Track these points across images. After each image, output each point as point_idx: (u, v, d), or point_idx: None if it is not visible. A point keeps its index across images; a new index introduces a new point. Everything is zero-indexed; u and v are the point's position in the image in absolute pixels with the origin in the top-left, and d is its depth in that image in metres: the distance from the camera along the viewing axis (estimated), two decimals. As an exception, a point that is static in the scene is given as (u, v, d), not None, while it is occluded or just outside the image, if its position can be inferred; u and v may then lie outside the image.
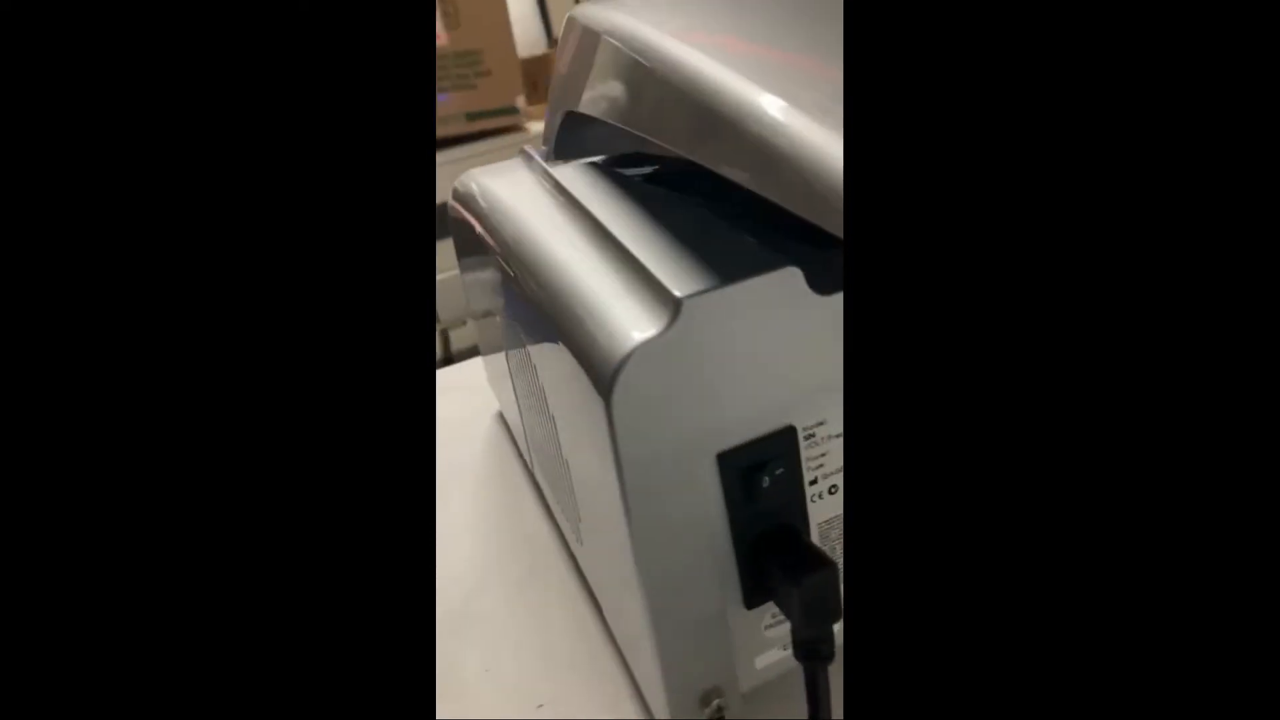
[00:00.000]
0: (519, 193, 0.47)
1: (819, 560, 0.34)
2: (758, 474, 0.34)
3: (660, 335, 0.30)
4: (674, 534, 0.33)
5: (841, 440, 0.36)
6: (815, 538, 0.37)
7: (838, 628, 0.34)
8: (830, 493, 0.37)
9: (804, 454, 0.36)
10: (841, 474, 0.37)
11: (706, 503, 0.34)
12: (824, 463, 0.36)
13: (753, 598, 0.36)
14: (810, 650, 0.33)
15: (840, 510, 0.38)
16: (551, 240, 0.40)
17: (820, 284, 0.32)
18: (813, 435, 0.36)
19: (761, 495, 0.34)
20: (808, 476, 0.36)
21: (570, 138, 0.49)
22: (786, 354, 0.34)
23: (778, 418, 0.35)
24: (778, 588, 0.35)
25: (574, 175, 0.46)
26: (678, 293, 0.31)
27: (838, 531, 0.38)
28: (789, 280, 0.33)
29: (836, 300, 0.34)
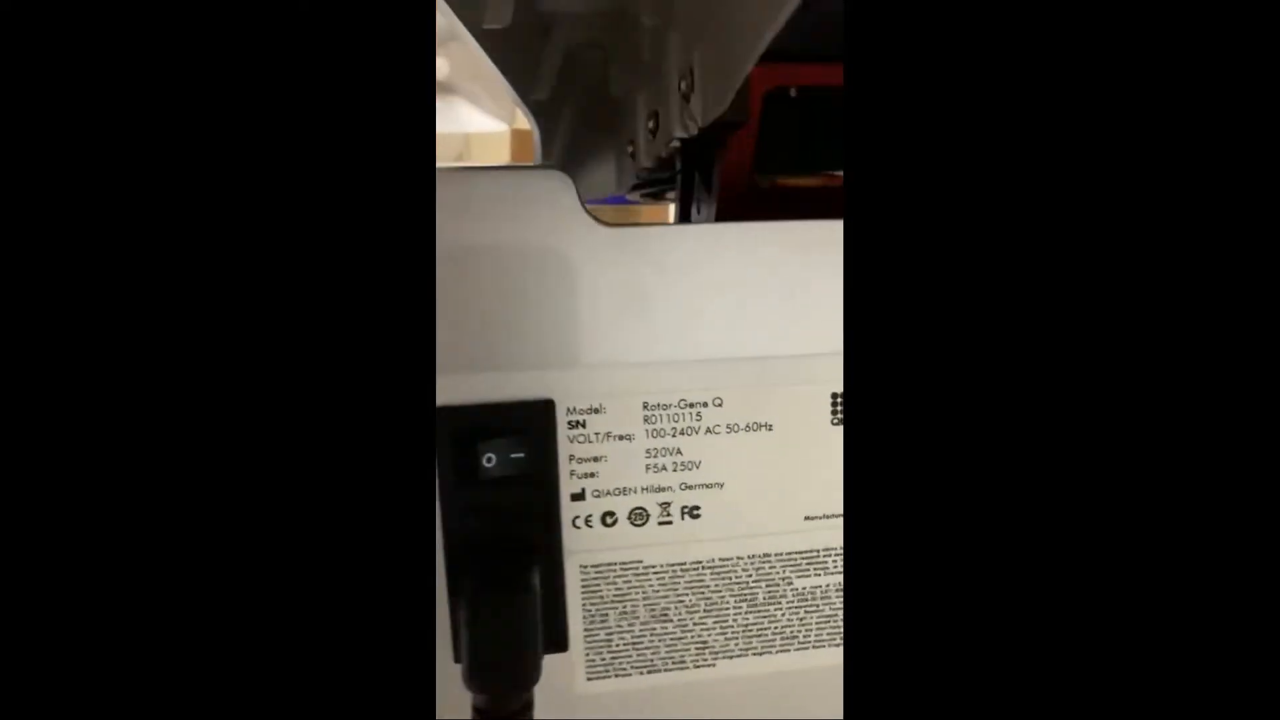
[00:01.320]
0: None
1: (521, 585, 0.23)
2: (475, 447, 0.24)
3: None
4: None
5: (644, 459, 0.26)
6: (573, 584, 0.26)
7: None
8: (606, 524, 0.26)
9: (565, 447, 0.25)
10: (630, 507, 0.26)
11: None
12: (598, 473, 0.26)
13: (456, 637, 0.25)
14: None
15: (626, 563, 0.26)
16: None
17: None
18: (581, 425, 0.25)
19: (483, 483, 0.24)
20: (570, 485, 0.26)
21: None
22: (561, 295, 0.24)
23: (535, 384, 0.25)
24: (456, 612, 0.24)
25: None
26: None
27: (616, 589, 0.27)
28: (559, 186, 0.24)
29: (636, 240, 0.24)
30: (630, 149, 0.39)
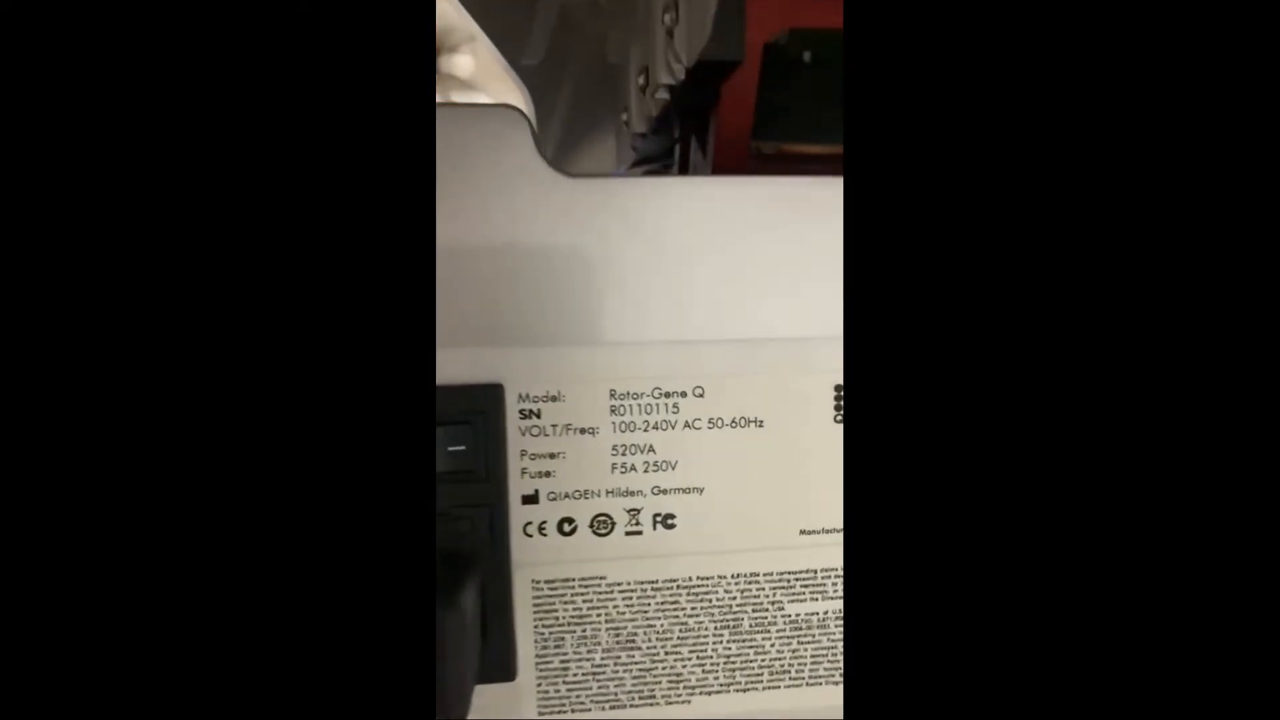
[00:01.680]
0: None
1: (445, 601, 0.19)
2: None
3: None
4: None
5: (609, 457, 0.22)
6: (523, 603, 0.22)
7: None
8: (563, 532, 0.22)
9: (515, 441, 0.21)
10: (593, 514, 0.22)
11: None
12: (554, 471, 0.22)
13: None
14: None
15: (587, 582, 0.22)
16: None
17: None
18: (536, 415, 0.21)
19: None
20: (521, 486, 0.22)
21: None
22: (512, 258, 0.21)
23: (479, 365, 0.21)
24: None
25: None
26: None
27: (575, 610, 0.23)
28: (509, 125, 0.20)
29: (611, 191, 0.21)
30: (624, 117, 0.35)
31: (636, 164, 0.43)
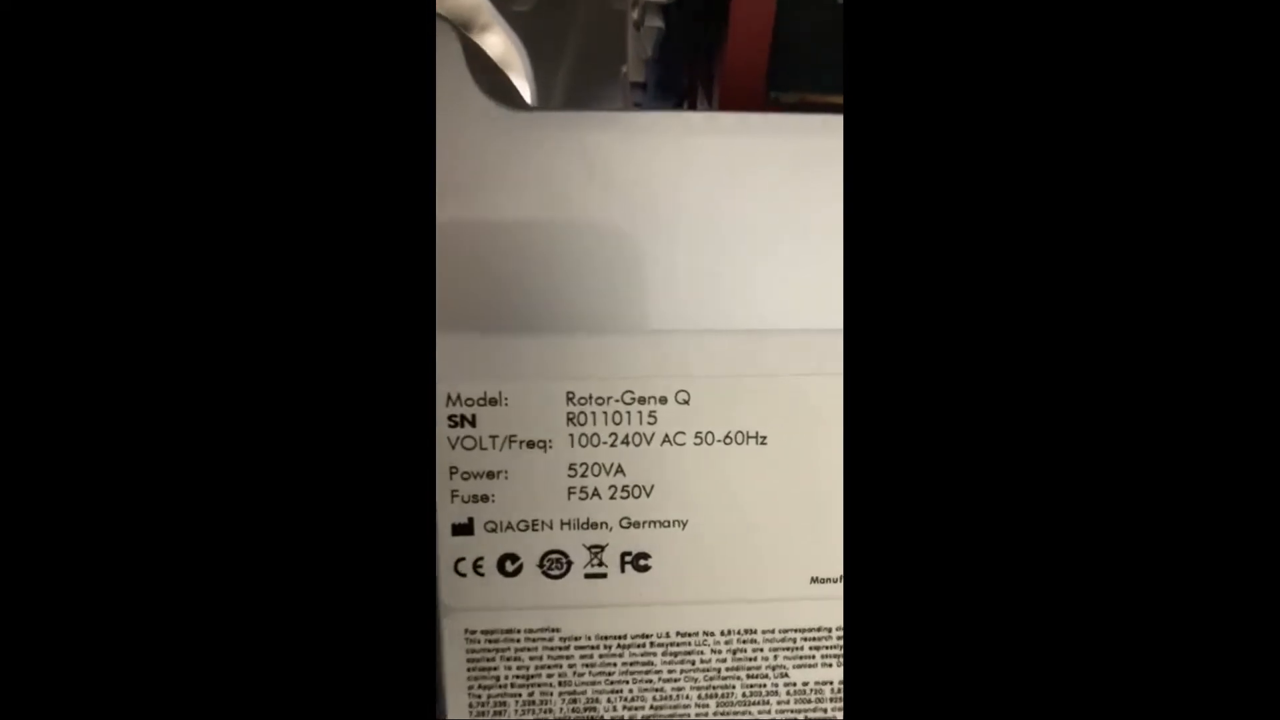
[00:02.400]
0: None
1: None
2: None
3: None
4: None
5: (565, 479, 0.17)
6: (454, 657, 0.18)
7: None
8: (505, 572, 0.17)
9: (444, 455, 0.17)
10: (544, 550, 0.17)
11: None
12: (494, 495, 0.17)
13: None
14: None
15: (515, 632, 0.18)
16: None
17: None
18: (470, 422, 0.17)
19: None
20: (450, 513, 0.17)
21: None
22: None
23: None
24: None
25: None
26: None
27: (520, 668, 0.18)
28: (440, 34, 0.15)
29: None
30: (624, 68, 0.31)
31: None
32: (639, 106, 0.33)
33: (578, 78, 0.42)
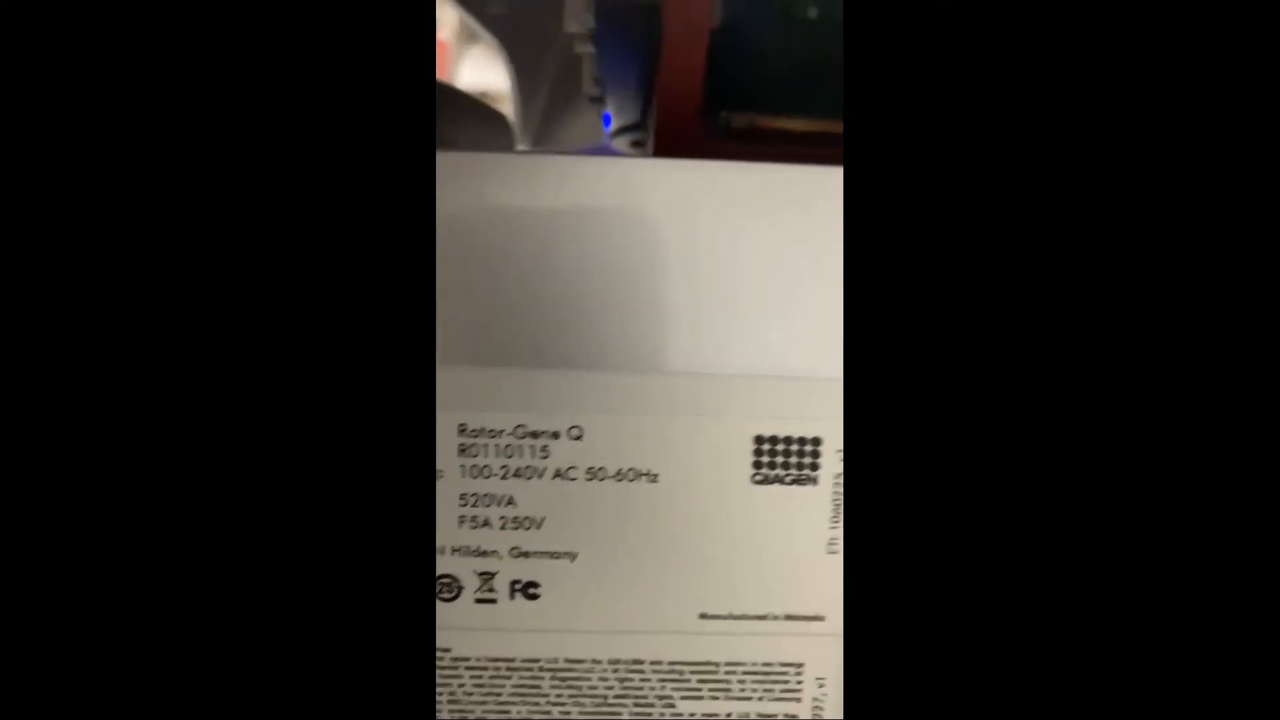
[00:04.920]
0: None
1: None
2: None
3: None
4: None
5: (456, 508, 0.17)
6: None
7: None
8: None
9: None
10: (436, 575, 0.18)
11: None
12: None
13: None
14: None
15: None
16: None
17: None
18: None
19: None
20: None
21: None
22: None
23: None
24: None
25: None
26: None
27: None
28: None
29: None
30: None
31: (619, 133, 0.39)
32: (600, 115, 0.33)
33: (560, 83, 0.42)
